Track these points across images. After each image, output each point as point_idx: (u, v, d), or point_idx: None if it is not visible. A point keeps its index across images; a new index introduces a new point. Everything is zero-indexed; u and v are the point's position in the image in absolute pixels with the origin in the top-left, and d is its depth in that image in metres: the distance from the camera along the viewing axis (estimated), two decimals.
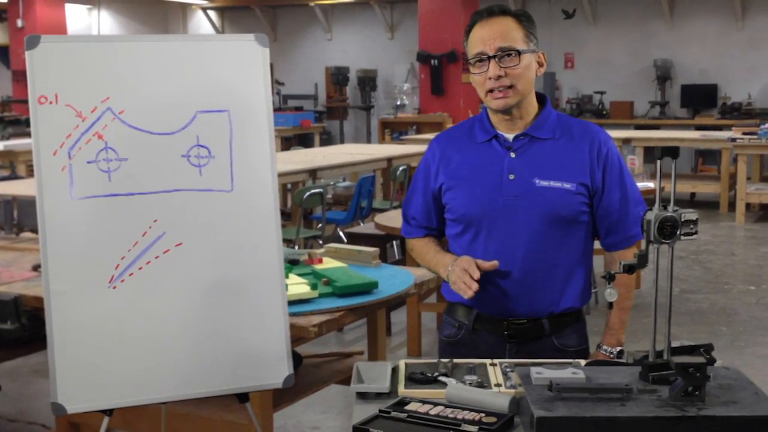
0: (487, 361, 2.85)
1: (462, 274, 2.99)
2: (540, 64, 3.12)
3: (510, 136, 3.13)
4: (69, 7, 19.25)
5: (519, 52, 3.01)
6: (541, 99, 3.19)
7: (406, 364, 2.84)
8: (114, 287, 3.21)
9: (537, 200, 3.05)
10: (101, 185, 3.18)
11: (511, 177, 3.08)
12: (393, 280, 4.39)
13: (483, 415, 2.40)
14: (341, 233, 9.69)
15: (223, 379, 3.35)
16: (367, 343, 4.95)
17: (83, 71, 3.17)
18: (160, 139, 3.24)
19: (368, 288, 4.13)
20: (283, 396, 4.14)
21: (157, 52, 3.29)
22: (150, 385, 3.28)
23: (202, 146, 3.27)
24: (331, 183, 11.19)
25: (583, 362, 2.79)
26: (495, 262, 3.01)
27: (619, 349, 3.15)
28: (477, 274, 2.96)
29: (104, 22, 22.00)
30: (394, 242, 8.42)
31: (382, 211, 9.07)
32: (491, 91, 3.04)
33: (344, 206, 10.76)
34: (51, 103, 3.12)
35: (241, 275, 3.33)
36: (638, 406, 2.31)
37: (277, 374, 3.39)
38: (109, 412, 3.31)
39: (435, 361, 2.86)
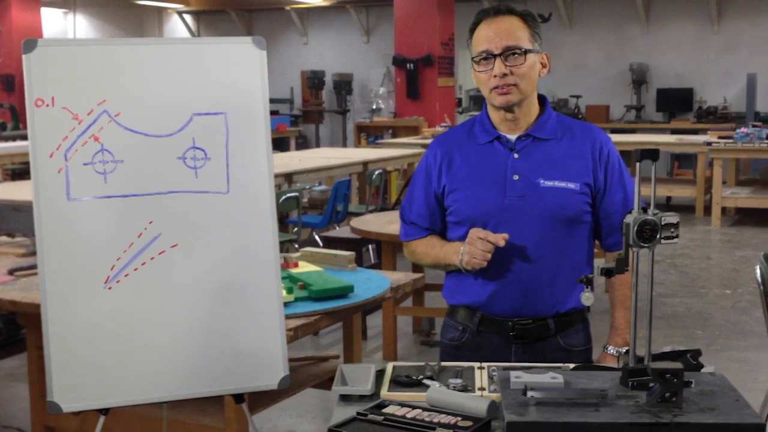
0: (476, 364, 2.85)
1: (480, 244, 2.98)
2: (543, 65, 3.13)
3: (512, 137, 3.14)
4: (44, 11, 19.15)
5: (525, 51, 3.02)
6: (541, 100, 3.20)
7: (394, 367, 2.84)
8: (109, 288, 3.22)
9: (542, 200, 3.06)
10: (97, 187, 3.20)
11: (516, 178, 3.09)
12: (369, 284, 4.39)
13: (459, 419, 2.39)
14: (317, 237, 9.69)
15: (219, 380, 3.36)
16: (343, 347, 4.95)
17: (79, 74, 3.19)
18: (156, 141, 3.25)
19: (344, 292, 4.14)
20: (258, 400, 4.13)
21: (154, 54, 3.30)
22: (146, 385, 3.30)
23: (197, 148, 3.28)
24: (307, 187, 11.20)
25: (571, 366, 2.78)
26: (505, 235, 2.99)
27: (625, 348, 3.12)
28: (492, 238, 2.97)
29: (80, 26, 21.86)
30: (370, 246, 8.40)
31: (357, 215, 9.04)
32: (495, 88, 3.04)
33: (320, 210, 10.75)
34: (48, 105, 3.15)
35: (236, 276, 3.34)
36: (612, 411, 2.30)
37: (273, 375, 3.41)
38: (105, 411, 3.33)
39: (422, 363, 2.85)
